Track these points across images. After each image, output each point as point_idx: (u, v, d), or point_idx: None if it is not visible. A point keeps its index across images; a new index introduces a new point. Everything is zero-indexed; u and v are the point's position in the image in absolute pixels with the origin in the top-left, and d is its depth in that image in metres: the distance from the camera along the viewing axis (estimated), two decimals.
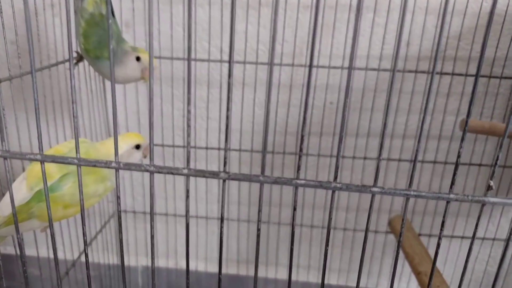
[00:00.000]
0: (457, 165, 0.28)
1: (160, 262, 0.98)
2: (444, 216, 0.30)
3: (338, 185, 0.28)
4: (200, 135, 0.87)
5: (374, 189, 0.28)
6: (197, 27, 0.81)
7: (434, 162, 0.85)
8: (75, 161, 0.29)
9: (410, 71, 0.80)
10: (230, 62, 0.28)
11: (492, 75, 0.80)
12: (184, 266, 0.98)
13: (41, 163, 0.29)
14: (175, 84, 0.84)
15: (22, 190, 0.48)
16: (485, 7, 0.77)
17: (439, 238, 0.29)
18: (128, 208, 0.95)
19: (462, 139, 0.28)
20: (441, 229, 0.30)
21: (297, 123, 0.86)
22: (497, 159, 0.28)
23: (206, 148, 0.87)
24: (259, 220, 0.29)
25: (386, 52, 0.81)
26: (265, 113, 0.26)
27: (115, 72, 0.61)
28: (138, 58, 0.62)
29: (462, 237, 0.89)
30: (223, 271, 0.97)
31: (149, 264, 0.99)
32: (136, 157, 0.57)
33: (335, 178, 0.29)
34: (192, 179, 0.90)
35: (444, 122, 0.83)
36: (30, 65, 0.32)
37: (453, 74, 0.80)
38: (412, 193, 0.29)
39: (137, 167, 0.29)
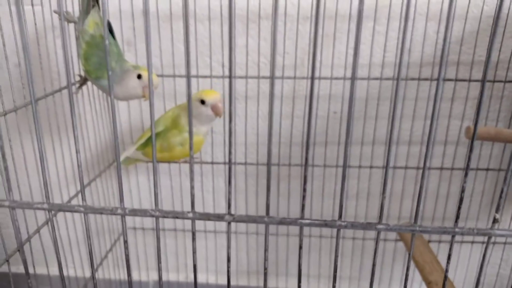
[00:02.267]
0: (461, 199, 0.28)
1: (171, 276, 0.99)
2: (450, 249, 0.30)
3: (343, 223, 0.28)
4: (205, 149, 0.88)
5: (380, 226, 0.28)
6: (198, 43, 0.81)
7: (441, 168, 0.84)
8: (82, 209, 0.29)
9: (413, 79, 0.79)
10: (230, 92, 0.28)
11: (496, 78, 0.79)
12: None
13: (48, 212, 0.30)
14: (178, 101, 0.84)
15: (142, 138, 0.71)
16: (486, 11, 0.77)
17: (446, 271, 0.29)
18: (137, 225, 0.95)
19: (466, 174, 0.28)
20: (448, 262, 0.30)
21: (302, 133, 0.86)
22: (501, 192, 0.28)
23: (212, 163, 0.87)
24: (265, 260, 0.29)
25: (388, 60, 0.80)
26: (268, 138, 0.26)
27: (116, 90, 0.62)
28: (139, 76, 0.61)
29: (472, 242, 0.89)
30: (233, 283, 0.97)
31: None
32: (203, 112, 0.65)
33: (340, 216, 0.29)
34: (198, 189, 0.91)
35: (449, 127, 0.83)
36: (31, 106, 0.33)
37: (456, 80, 0.79)
38: (417, 229, 0.28)
39: (143, 213, 0.29)
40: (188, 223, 0.94)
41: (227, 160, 0.88)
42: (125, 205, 0.94)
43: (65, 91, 0.73)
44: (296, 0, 0.78)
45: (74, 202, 0.77)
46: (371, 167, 0.85)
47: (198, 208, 0.92)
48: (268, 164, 0.27)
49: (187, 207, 0.92)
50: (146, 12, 0.28)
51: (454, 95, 0.81)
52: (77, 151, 0.28)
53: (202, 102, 0.64)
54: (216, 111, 0.64)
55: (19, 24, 0.31)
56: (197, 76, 0.82)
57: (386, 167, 0.28)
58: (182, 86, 0.84)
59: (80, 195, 0.79)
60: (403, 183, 0.87)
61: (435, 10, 0.77)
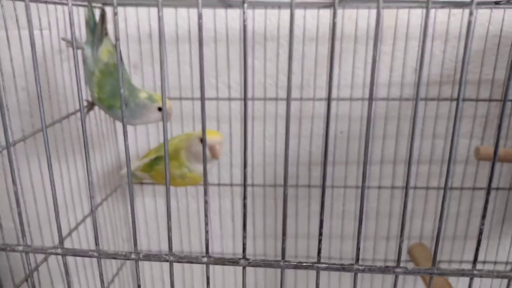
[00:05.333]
0: (479, 241, 0.28)
1: None
2: None
3: (361, 268, 0.28)
4: (211, 170, 0.87)
5: (398, 270, 0.28)
6: (204, 65, 0.81)
7: (451, 188, 0.84)
8: (95, 254, 0.29)
9: (420, 99, 0.79)
10: (245, 118, 0.27)
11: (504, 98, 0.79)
12: None
13: (62, 257, 0.29)
14: (185, 122, 0.85)
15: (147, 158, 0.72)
16: (492, 30, 0.77)
17: None
18: (143, 248, 0.95)
19: (484, 216, 0.27)
20: None
21: (308, 154, 0.85)
22: None
23: (219, 184, 0.86)
24: None
25: (394, 80, 0.80)
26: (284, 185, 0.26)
27: (135, 121, 0.63)
28: (159, 109, 0.63)
29: (484, 262, 0.87)
30: None
31: None
32: (201, 150, 0.62)
33: (357, 260, 0.28)
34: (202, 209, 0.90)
35: (457, 146, 0.82)
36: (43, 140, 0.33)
37: (463, 99, 0.79)
38: (435, 271, 0.28)
39: (157, 258, 0.29)
40: (195, 245, 0.93)
41: (233, 182, 0.87)
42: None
43: (72, 117, 0.73)
44: (301, 22, 0.78)
45: (81, 227, 0.77)
46: (379, 187, 0.85)
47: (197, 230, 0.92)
48: (284, 208, 0.26)
49: (194, 230, 0.92)
50: (160, 36, 0.28)
51: (462, 114, 0.81)
52: (92, 197, 0.28)
53: (202, 141, 0.64)
54: (213, 153, 0.63)
55: (33, 56, 0.31)
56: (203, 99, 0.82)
57: (403, 213, 0.27)
58: (189, 108, 0.84)
59: (87, 220, 0.79)
60: (412, 202, 0.86)
61: (441, 30, 0.77)
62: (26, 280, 0.56)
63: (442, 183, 0.84)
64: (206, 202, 0.27)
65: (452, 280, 0.88)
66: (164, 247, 0.95)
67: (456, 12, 0.75)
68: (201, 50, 0.29)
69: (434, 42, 0.78)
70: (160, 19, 0.31)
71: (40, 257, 0.62)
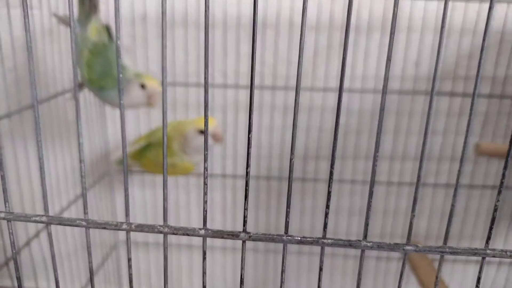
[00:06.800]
0: (493, 219, 0.26)
1: None
2: (480, 272, 0.27)
3: (369, 244, 0.26)
4: (202, 161, 0.85)
5: (408, 247, 0.26)
6: (200, 52, 0.79)
7: (447, 184, 0.83)
8: (84, 223, 0.27)
9: (419, 93, 0.78)
10: (250, 108, 0.25)
11: (504, 94, 0.78)
12: None
13: (47, 225, 0.27)
14: (178, 109, 0.82)
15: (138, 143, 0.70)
16: (494, 26, 0.76)
17: None
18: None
19: (499, 192, 0.26)
20: (477, 286, 0.28)
21: (304, 147, 0.83)
22: None
23: (211, 175, 0.84)
24: (282, 282, 0.27)
25: (394, 74, 0.79)
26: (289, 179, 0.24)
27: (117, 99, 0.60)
28: (143, 86, 0.61)
29: (478, 260, 0.86)
30: None
31: None
32: (201, 142, 0.63)
33: (365, 236, 0.26)
34: (194, 204, 0.88)
35: (455, 143, 0.81)
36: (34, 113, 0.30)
37: (463, 95, 0.78)
38: (447, 250, 0.26)
39: (150, 229, 0.27)
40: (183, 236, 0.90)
41: (225, 173, 0.85)
42: (119, 219, 0.90)
43: (59, 100, 0.70)
44: (301, 10, 0.76)
45: (66, 214, 0.74)
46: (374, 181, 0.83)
47: (186, 222, 0.89)
48: (290, 180, 0.24)
49: (183, 221, 0.89)
50: (162, 19, 0.25)
51: (461, 111, 0.80)
52: (81, 161, 0.25)
53: (202, 132, 0.63)
54: (216, 139, 0.63)
55: (26, 32, 0.29)
56: (197, 85, 0.80)
57: (417, 183, 0.26)
58: (182, 94, 0.82)
59: (72, 207, 0.76)
60: (407, 199, 0.84)
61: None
62: (6, 264, 0.53)
63: (439, 181, 0.83)
64: (205, 169, 0.25)
65: (445, 274, 0.87)
66: (152, 239, 0.92)
67: (459, 5, 0.74)
68: (206, 23, 0.27)
69: (435, 36, 0.77)
70: None
71: (21, 240, 0.59)
